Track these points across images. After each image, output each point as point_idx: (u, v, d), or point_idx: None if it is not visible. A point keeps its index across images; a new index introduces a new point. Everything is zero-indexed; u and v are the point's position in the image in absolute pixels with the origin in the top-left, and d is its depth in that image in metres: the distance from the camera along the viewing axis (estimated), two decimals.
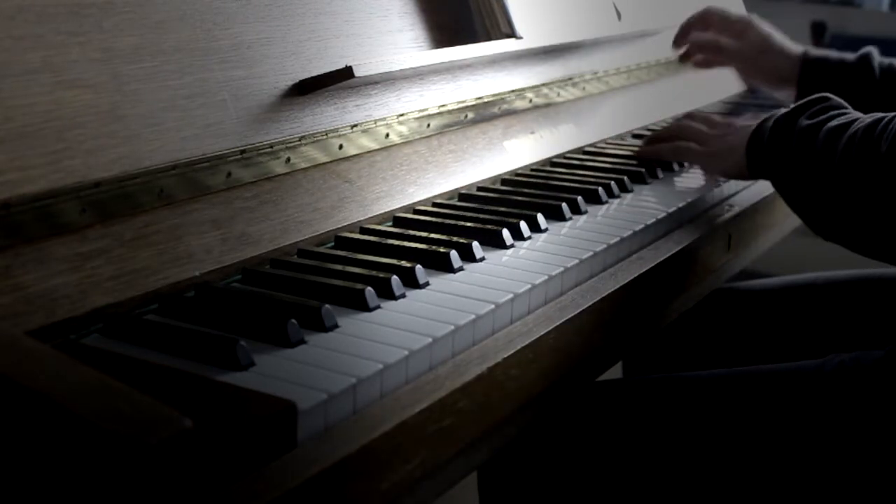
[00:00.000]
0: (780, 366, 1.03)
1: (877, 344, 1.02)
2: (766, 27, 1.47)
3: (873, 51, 1.37)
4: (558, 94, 1.34)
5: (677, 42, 1.52)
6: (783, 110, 1.06)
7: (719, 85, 1.81)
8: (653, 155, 1.25)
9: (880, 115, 0.95)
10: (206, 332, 0.70)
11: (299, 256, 0.88)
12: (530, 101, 1.28)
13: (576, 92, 1.38)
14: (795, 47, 1.44)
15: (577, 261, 0.91)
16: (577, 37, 1.34)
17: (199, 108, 0.86)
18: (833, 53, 1.42)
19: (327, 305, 0.75)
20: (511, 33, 1.21)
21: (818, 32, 3.59)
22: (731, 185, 1.24)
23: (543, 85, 1.31)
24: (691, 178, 1.25)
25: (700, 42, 1.50)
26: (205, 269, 0.80)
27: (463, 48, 1.12)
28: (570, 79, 1.37)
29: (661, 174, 1.24)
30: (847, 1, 3.67)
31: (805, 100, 1.05)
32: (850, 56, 1.39)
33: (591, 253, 0.93)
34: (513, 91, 1.25)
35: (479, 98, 1.19)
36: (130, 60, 0.82)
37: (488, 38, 1.20)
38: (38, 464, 0.55)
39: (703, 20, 1.50)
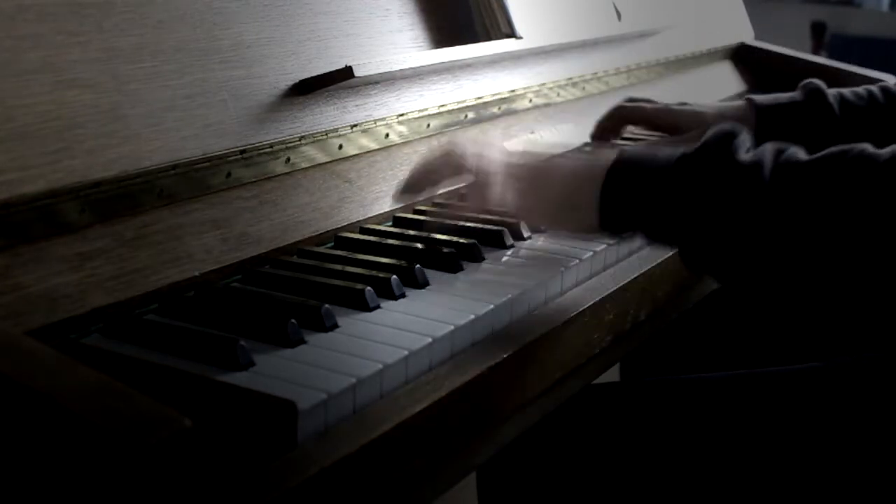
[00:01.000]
0: (779, 368, 1.03)
1: (878, 344, 1.02)
2: (689, 107, 1.25)
3: (821, 84, 1.26)
4: (558, 94, 1.34)
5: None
6: (654, 155, 0.84)
7: (719, 85, 1.81)
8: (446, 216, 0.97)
9: (844, 146, 0.79)
10: (206, 332, 0.70)
11: (299, 256, 0.88)
12: (530, 101, 1.28)
13: (576, 92, 1.38)
14: (735, 102, 1.29)
15: (577, 261, 0.91)
16: (577, 37, 1.34)
17: (199, 107, 0.86)
18: (780, 96, 1.27)
19: (327, 305, 0.75)
20: (511, 33, 1.21)
21: (818, 32, 3.59)
22: None
23: (543, 85, 1.31)
24: None
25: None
26: (205, 269, 0.80)
27: (463, 48, 1.12)
28: (570, 79, 1.37)
29: None
30: (847, 1, 3.67)
31: (709, 137, 0.82)
32: (797, 95, 1.26)
33: (590, 253, 0.93)
34: (513, 91, 1.25)
35: (479, 98, 1.19)
36: (130, 60, 0.82)
37: (488, 38, 1.20)
38: (38, 463, 0.55)
39: (619, 121, 1.26)
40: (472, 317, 0.78)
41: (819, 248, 0.77)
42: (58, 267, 0.72)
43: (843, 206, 0.76)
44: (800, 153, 0.80)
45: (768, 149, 0.80)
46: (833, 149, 0.79)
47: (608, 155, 0.86)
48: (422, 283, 0.83)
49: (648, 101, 1.30)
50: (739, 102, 1.27)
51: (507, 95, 1.24)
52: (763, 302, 1.30)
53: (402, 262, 0.85)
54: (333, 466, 0.60)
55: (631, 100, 1.31)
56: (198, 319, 0.73)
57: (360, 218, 0.96)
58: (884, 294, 0.77)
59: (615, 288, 0.91)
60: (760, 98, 1.26)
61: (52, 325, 0.69)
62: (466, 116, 1.17)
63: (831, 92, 1.25)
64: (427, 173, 0.95)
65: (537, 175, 0.89)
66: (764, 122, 1.22)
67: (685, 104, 1.26)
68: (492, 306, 0.80)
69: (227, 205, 0.86)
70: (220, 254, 0.82)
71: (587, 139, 1.34)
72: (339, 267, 0.84)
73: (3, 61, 0.73)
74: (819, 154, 0.79)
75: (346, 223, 0.94)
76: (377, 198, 0.99)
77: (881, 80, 1.83)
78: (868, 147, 0.78)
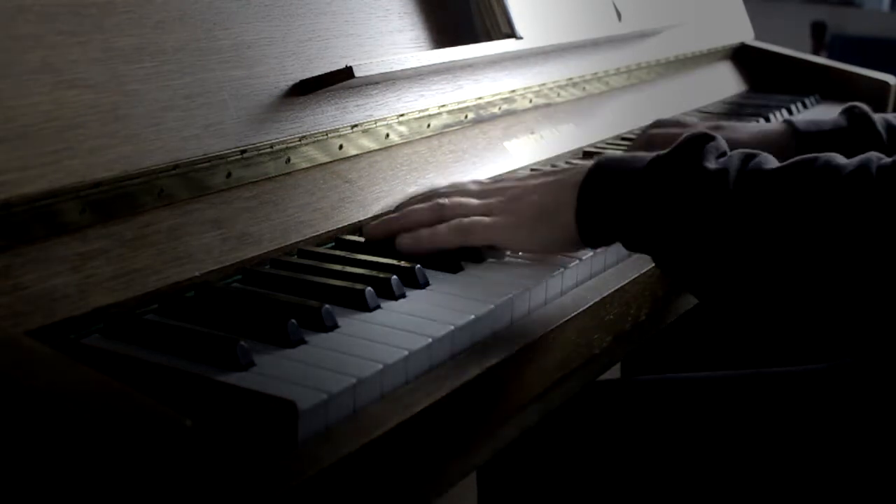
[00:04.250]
0: (780, 369, 1.03)
1: (878, 344, 1.02)
2: (725, 130, 1.16)
3: (866, 109, 1.20)
4: (558, 95, 1.34)
5: None
6: (632, 158, 0.84)
7: (719, 85, 1.81)
8: (414, 246, 0.89)
9: (813, 155, 0.79)
10: (206, 332, 0.70)
11: (299, 256, 0.88)
12: (530, 101, 1.28)
13: (576, 92, 1.38)
14: (774, 126, 1.21)
15: (577, 261, 0.91)
16: (577, 37, 1.34)
17: (200, 108, 0.86)
18: (823, 121, 1.21)
19: (327, 305, 0.75)
20: (511, 33, 1.21)
21: (818, 32, 3.60)
22: None
23: (544, 85, 1.31)
24: None
25: None
26: (205, 269, 0.80)
27: (463, 48, 1.12)
28: (571, 79, 1.37)
29: None
30: (847, 1, 3.67)
31: (680, 142, 0.83)
32: (841, 121, 1.20)
33: (591, 253, 0.93)
34: (513, 91, 1.25)
35: (480, 98, 1.19)
36: (130, 60, 0.82)
37: (488, 38, 1.20)
38: (38, 464, 0.55)
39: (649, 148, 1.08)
40: (473, 317, 0.78)
41: (781, 259, 0.76)
42: (58, 267, 0.72)
43: (803, 217, 0.75)
44: (770, 161, 0.80)
45: (736, 156, 0.81)
46: (801, 158, 0.79)
47: (584, 165, 0.86)
48: (422, 284, 0.83)
49: (678, 123, 1.23)
50: (779, 127, 1.20)
51: (507, 95, 1.24)
52: (738, 315, 1.29)
53: (402, 262, 0.85)
54: (333, 466, 0.60)
55: (659, 124, 1.24)
56: (198, 319, 0.73)
57: (361, 218, 0.96)
58: (846, 304, 0.76)
59: (615, 288, 0.91)
60: (801, 122, 1.20)
61: (52, 325, 0.69)
62: (467, 117, 1.17)
63: (878, 118, 1.19)
64: (406, 224, 0.92)
65: (512, 199, 0.89)
66: (806, 149, 1.17)
67: (719, 126, 1.17)
68: (492, 306, 0.80)
69: (227, 205, 0.86)
70: (221, 254, 0.82)
71: (587, 139, 1.34)
72: (339, 267, 0.84)
73: (3, 61, 0.73)
74: (787, 162, 0.79)
75: (346, 223, 0.94)
76: (377, 198, 0.99)
77: (882, 81, 1.83)
78: (836, 157, 0.78)
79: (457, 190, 0.94)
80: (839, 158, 0.78)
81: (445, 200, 0.91)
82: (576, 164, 0.90)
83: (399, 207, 0.97)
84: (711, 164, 0.80)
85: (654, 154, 0.83)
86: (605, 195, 0.83)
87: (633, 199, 0.81)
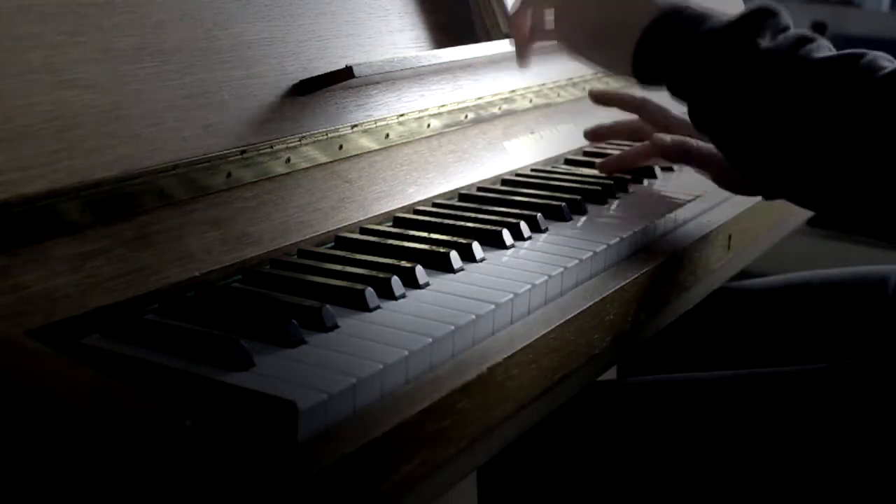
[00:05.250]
0: (776, 370, 1.03)
1: (878, 344, 1.02)
2: None
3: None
4: (558, 95, 1.34)
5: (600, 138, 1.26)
6: (697, 17, 0.89)
7: None
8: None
9: (863, 51, 0.82)
10: (207, 332, 0.70)
11: (299, 256, 0.88)
12: (530, 101, 1.28)
13: (576, 92, 1.38)
14: None
15: (577, 261, 0.91)
16: None
17: (200, 108, 0.86)
18: None
19: (327, 305, 0.75)
20: (511, 33, 1.20)
21: (818, 32, 3.60)
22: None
23: (543, 85, 1.31)
24: (690, 179, 1.24)
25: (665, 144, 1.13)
26: (205, 269, 0.80)
27: (463, 48, 1.12)
28: (570, 79, 1.37)
29: (659, 175, 1.24)
30: (847, 1, 3.67)
31: (743, 14, 0.86)
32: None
33: (590, 253, 0.93)
34: (513, 91, 1.25)
35: (480, 98, 1.19)
36: (130, 60, 0.82)
37: (488, 38, 1.20)
38: (38, 464, 0.55)
39: (638, 110, 1.23)
40: (473, 317, 0.78)
41: (805, 147, 0.81)
42: (58, 267, 0.72)
43: (831, 113, 0.79)
44: (821, 49, 0.83)
45: (792, 36, 0.84)
46: (850, 52, 0.82)
47: (652, 4, 0.92)
48: (422, 284, 0.83)
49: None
50: None
51: (507, 95, 1.24)
52: (762, 301, 1.30)
53: (402, 262, 0.85)
54: (333, 466, 0.60)
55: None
56: (198, 319, 0.73)
57: (360, 218, 0.96)
58: (863, 204, 0.82)
59: (615, 288, 0.91)
60: None
61: (52, 325, 0.69)
62: (467, 117, 1.17)
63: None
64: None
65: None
66: None
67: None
68: (492, 306, 0.80)
69: (227, 205, 0.86)
70: (221, 254, 0.82)
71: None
72: (339, 267, 0.84)
73: (3, 61, 0.73)
74: (834, 55, 0.83)
75: (346, 223, 0.94)
76: (377, 198, 0.99)
77: None
78: (881, 58, 0.81)
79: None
80: (883, 60, 0.81)
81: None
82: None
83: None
84: (765, 42, 0.83)
85: (712, 23, 0.87)
86: (661, 49, 0.90)
87: (686, 61, 0.88)
